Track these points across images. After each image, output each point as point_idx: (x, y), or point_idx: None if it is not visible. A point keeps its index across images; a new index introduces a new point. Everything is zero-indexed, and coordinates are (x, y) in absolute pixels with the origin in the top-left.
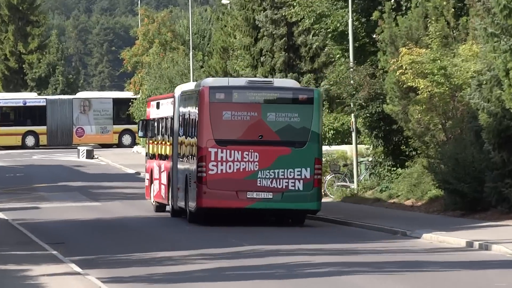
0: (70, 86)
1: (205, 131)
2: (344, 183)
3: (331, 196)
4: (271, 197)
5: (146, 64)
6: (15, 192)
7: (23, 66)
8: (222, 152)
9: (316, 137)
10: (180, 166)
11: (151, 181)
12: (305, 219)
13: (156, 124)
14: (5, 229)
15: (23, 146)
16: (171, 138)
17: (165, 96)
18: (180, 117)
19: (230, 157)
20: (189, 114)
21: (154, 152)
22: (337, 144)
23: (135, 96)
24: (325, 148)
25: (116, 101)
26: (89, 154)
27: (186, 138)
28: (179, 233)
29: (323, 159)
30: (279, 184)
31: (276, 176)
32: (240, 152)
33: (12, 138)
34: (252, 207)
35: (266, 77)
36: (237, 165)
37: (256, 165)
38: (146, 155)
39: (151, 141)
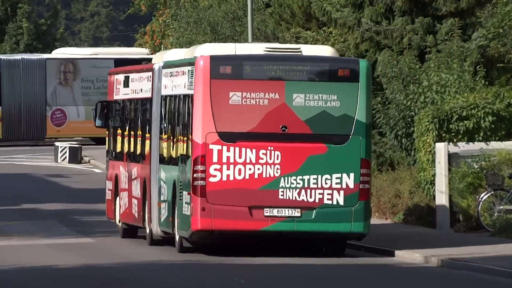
0: (42, 38)
1: (204, 120)
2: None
3: (489, 229)
4: (299, 215)
5: (172, 2)
6: None
7: None
8: (228, 150)
9: (363, 129)
10: (163, 170)
11: (116, 193)
12: (345, 247)
13: (123, 108)
14: None
15: None
16: (148, 130)
17: (138, 68)
18: (163, 100)
19: (240, 157)
20: (178, 96)
21: (120, 151)
22: (499, 140)
23: (153, 56)
24: (477, 145)
25: (120, 64)
26: (74, 156)
27: (172, 131)
28: None
29: (475, 165)
30: (311, 197)
31: (306, 185)
32: (254, 150)
33: None
34: (272, 230)
35: (377, 23)
36: (250, 169)
37: (277, 169)
38: (107, 155)
39: (115, 134)
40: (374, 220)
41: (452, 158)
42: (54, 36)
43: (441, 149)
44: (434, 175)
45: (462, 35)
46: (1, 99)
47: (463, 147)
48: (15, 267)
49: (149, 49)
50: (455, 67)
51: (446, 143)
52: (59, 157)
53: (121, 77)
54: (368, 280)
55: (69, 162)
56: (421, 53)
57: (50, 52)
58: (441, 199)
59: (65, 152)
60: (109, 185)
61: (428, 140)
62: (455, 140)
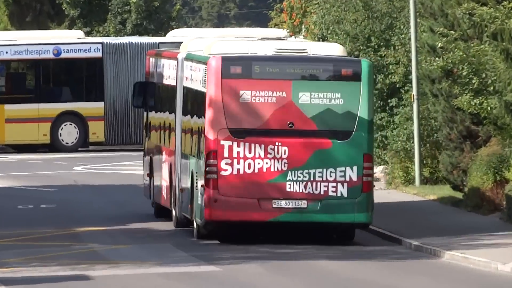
0: (154, 17)
1: (215, 117)
2: None
3: None
4: (305, 206)
5: None
6: (38, 244)
7: None
8: (239, 146)
9: (366, 126)
10: (184, 159)
11: (151, 173)
12: (354, 234)
13: (156, 91)
14: None
15: (55, 146)
16: (173, 117)
17: (167, 55)
18: (184, 91)
19: (250, 153)
20: (195, 91)
21: (154, 132)
22: None
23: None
24: None
25: None
26: None
27: (192, 123)
28: None
29: None
30: (316, 189)
31: (312, 178)
32: (263, 146)
33: (31, 128)
34: (279, 220)
35: None
36: (259, 163)
37: (284, 163)
38: (145, 134)
39: (151, 115)
40: None
41: None
42: (169, 15)
43: None
44: None
45: None
46: (104, 93)
47: None
48: None
49: (287, 30)
50: None
51: None
52: None
53: (154, 61)
54: None
55: None
56: None
57: (165, 35)
58: None
59: None
60: (146, 165)
61: None
62: None
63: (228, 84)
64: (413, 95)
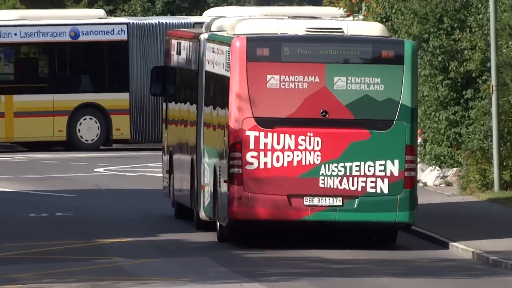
0: None
1: (240, 105)
2: None
3: None
4: (341, 204)
5: None
6: (53, 257)
7: None
8: (266, 136)
9: (409, 114)
10: (206, 152)
11: (171, 170)
12: (396, 236)
13: (176, 77)
14: None
15: (72, 144)
16: (194, 106)
17: (189, 35)
18: (207, 76)
19: (278, 144)
20: (218, 76)
21: (174, 124)
22: None
23: (348, 19)
24: None
25: None
26: None
27: (215, 112)
28: None
29: None
30: (353, 185)
31: (348, 173)
32: (293, 137)
33: (44, 123)
34: (312, 220)
35: None
36: (288, 156)
37: (317, 156)
38: (164, 127)
39: (170, 105)
40: None
41: None
42: None
43: None
44: None
45: None
46: (129, 83)
47: None
48: None
49: (344, 9)
50: None
51: None
52: None
53: (175, 43)
54: None
55: None
56: None
57: (201, 14)
58: None
59: None
60: (166, 160)
61: None
62: None
63: (254, 68)
64: (492, 85)
